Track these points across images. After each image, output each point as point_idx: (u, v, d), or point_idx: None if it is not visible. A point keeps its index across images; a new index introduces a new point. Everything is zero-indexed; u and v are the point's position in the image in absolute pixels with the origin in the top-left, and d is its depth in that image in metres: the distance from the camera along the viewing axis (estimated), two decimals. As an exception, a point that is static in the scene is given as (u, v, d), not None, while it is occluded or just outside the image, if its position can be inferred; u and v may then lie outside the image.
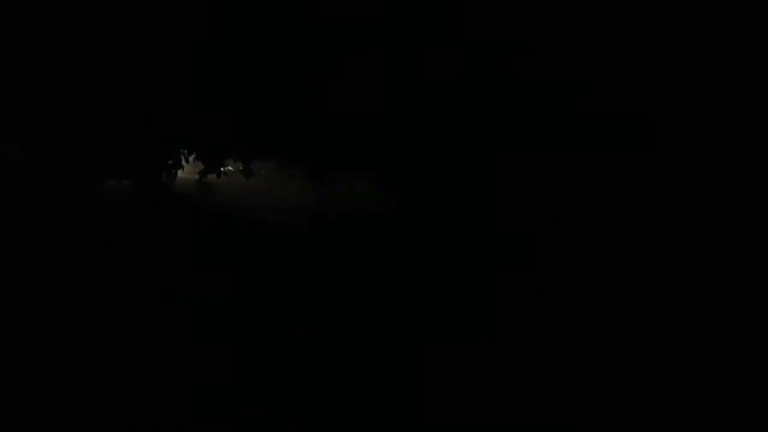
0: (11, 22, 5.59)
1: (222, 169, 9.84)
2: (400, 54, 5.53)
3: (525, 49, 5.57)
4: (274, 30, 5.54)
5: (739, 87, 5.56)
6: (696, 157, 5.77)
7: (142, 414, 3.84)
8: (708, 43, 5.48)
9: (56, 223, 11.57)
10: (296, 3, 5.32)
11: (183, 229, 12.15)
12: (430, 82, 5.72)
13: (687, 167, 5.82)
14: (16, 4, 5.49)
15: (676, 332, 4.79)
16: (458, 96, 5.91)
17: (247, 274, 7.76)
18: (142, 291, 6.75)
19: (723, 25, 5.39)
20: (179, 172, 10.94)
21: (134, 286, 6.88)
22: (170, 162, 10.33)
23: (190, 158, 10.37)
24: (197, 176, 11.72)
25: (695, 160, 5.79)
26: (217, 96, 6.50)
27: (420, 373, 4.28)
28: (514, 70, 5.67)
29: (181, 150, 10.18)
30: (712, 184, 5.78)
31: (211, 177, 10.76)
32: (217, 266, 7.97)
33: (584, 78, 5.68)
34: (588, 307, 5.26)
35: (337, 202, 10.58)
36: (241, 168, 9.40)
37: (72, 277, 7.31)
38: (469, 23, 5.42)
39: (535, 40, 5.52)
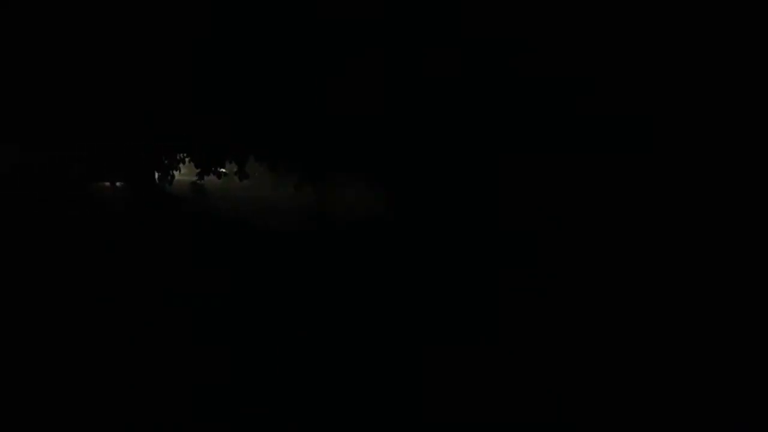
0: (10, 22, 5.62)
1: (219, 170, 9.83)
2: (400, 54, 5.54)
3: (525, 49, 5.59)
4: (274, 30, 5.57)
5: (739, 87, 5.59)
6: (696, 157, 5.81)
7: (142, 414, 3.86)
8: (707, 44, 5.52)
9: (54, 223, 11.60)
10: (296, 3, 5.34)
11: (180, 231, 12.18)
12: (430, 82, 5.73)
13: (687, 167, 5.86)
14: (15, 3, 5.52)
15: (675, 332, 4.83)
16: (458, 96, 5.93)
17: (246, 276, 7.79)
18: (142, 291, 6.78)
19: (722, 26, 5.43)
20: (176, 174, 10.93)
21: (133, 286, 6.91)
22: (166, 163, 10.33)
23: (186, 160, 10.36)
24: (194, 178, 11.74)
25: (695, 160, 5.83)
26: (214, 96, 6.53)
27: (420, 373, 4.31)
28: (514, 70, 5.69)
29: (178, 152, 10.18)
30: (712, 184, 5.82)
31: (208, 179, 10.76)
32: (216, 267, 8.00)
33: (584, 78, 5.72)
34: (588, 307, 5.29)
35: (335, 202, 10.58)
36: (235, 170, 9.38)
37: (71, 278, 7.34)
38: (469, 23, 5.44)
39: (535, 40, 5.55)
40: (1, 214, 10.94)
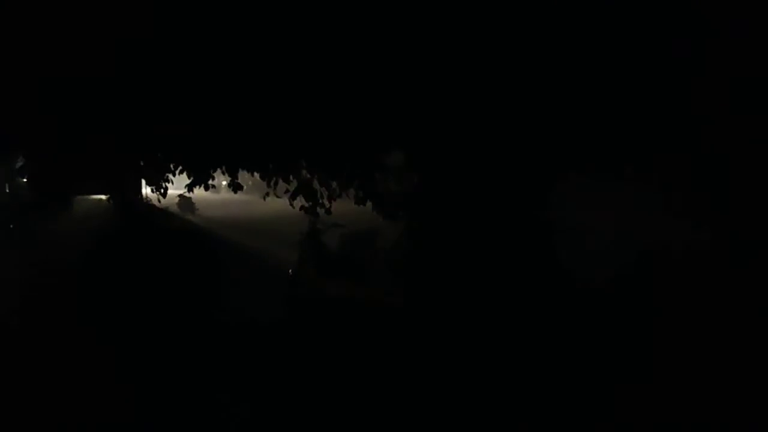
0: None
1: (210, 182, 9.84)
2: (399, 53, 5.53)
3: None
4: (270, 31, 5.61)
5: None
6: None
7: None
8: None
9: (37, 233, 11.64)
10: (295, 3, 5.38)
11: (168, 244, 12.21)
12: (431, 82, 5.69)
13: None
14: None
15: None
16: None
17: (226, 296, 7.85)
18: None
19: None
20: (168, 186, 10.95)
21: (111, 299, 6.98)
22: (157, 176, 10.34)
23: (177, 171, 10.35)
24: (182, 191, 11.78)
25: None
26: (208, 103, 6.57)
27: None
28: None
29: (168, 163, 10.17)
30: None
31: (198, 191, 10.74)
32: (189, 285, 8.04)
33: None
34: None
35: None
36: (227, 182, 9.41)
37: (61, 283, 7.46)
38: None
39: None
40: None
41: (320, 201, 8.30)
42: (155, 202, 13.16)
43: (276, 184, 8.44)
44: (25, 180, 11.04)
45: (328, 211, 8.53)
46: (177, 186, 12.40)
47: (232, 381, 5.36)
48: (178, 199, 20.46)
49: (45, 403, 4.82)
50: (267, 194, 9.32)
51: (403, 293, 7.29)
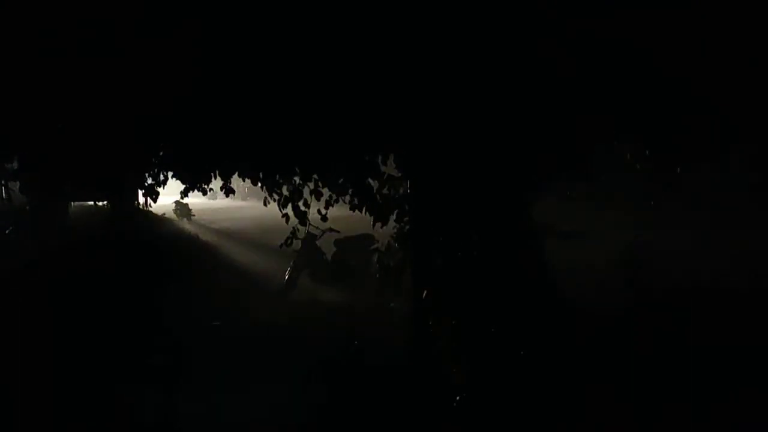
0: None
1: (206, 186, 9.82)
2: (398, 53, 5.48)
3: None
4: (266, 31, 5.58)
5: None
6: None
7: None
8: None
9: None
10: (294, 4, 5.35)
11: (161, 251, 12.18)
12: (432, 83, 5.62)
13: None
14: None
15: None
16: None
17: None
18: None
19: None
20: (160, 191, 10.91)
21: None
22: (149, 182, 10.31)
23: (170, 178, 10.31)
24: (177, 197, 11.73)
25: None
26: (201, 107, 6.54)
27: None
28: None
29: (160, 170, 10.13)
30: None
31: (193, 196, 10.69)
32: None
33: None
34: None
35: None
36: (221, 187, 9.38)
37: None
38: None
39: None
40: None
41: (308, 206, 8.23)
42: (151, 209, 13.16)
43: (271, 189, 8.38)
44: (19, 184, 11.03)
45: (324, 218, 8.48)
46: (175, 192, 12.44)
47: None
48: (174, 205, 20.50)
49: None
50: (266, 201, 9.29)
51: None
